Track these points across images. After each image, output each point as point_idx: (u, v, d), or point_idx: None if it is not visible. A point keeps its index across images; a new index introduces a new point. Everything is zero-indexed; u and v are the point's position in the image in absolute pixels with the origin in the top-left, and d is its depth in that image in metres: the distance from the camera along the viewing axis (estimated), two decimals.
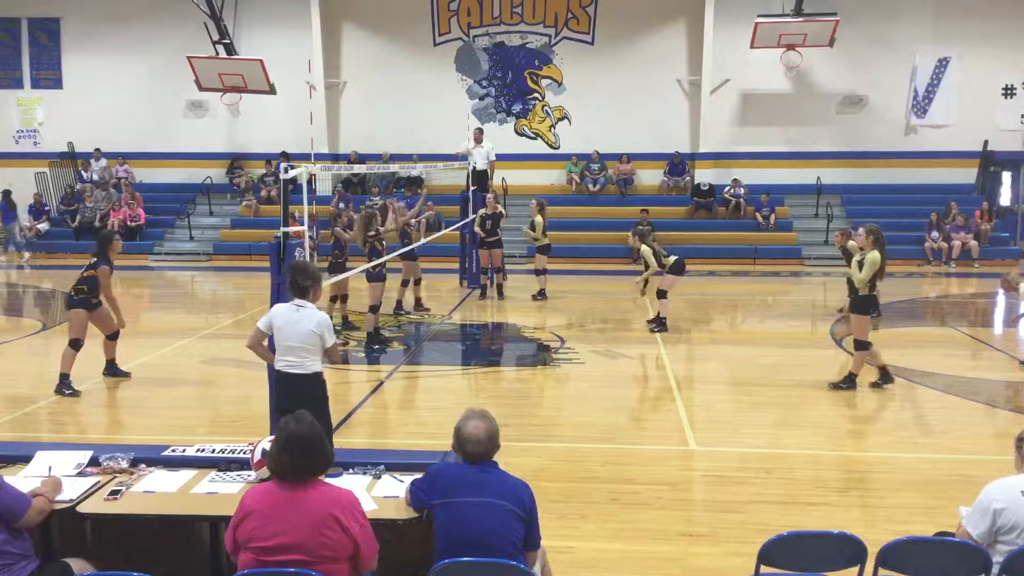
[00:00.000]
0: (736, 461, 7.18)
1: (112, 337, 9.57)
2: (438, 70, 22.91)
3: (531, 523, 3.92)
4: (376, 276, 11.06)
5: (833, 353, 11.20)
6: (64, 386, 8.98)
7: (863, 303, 9.07)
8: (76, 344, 9.06)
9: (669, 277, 12.20)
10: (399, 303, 13.62)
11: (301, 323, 5.77)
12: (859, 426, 8.22)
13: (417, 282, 13.69)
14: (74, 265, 19.87)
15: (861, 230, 9.30)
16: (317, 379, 5.93)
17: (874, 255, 8.87)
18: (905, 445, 7.64)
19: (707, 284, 17.35)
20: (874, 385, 9.30)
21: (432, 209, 13.83)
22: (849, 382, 9.19)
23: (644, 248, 12.23)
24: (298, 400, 5.71)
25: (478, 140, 16.88)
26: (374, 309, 11.26)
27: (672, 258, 12.20)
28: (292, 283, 5.89)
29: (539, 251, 15.22)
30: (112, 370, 9.68)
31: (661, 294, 12.25)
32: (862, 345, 9.14)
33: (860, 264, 8.98)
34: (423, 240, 14.08)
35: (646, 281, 12.52)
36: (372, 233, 10.96)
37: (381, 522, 3.94)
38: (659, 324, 12.25)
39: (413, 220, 13.59)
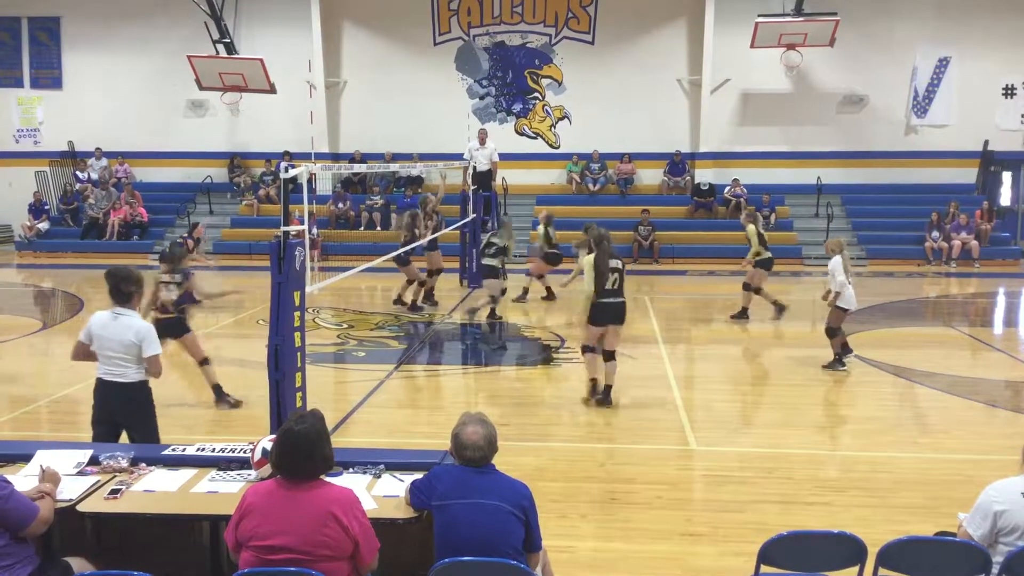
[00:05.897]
0: (736, 461, 7.19)
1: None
2: (438, 70, 22.89)
3: (531, 525, 3.91)
4: (403, 260, 12.92)
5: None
6: (221, 399, 8.67)
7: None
8: (204, 362, 8.74)
9: (758, 272, 12.85)
10: (429, 294, 14.16)
11: (119, 332, 5.52)
12: (859, 426, 8.21)
13: (417, 280, 13.87)
14: (74, 264, 19.97)
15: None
16: (139, 387, 5.65)
17: (588, 259, 8.31)
18: (905, 445, 7.64)
19: (707, 284, 17.34)
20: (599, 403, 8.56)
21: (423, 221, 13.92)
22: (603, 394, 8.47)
23: (750, 228, 12.91)
24: (120, 409, 5.62)
25: (482, 141, 16.93)
26: (421, 283, 13.60)
27: (766, 254, 12.87)
28: (113, 290, 5.58)
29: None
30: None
31: (747, 286, 12.91)
32: (587, 349, 8.58)
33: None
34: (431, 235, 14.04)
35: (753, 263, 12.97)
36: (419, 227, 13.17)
37: (381, 521, 3.94)
38: (741, 313, 12.86)
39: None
